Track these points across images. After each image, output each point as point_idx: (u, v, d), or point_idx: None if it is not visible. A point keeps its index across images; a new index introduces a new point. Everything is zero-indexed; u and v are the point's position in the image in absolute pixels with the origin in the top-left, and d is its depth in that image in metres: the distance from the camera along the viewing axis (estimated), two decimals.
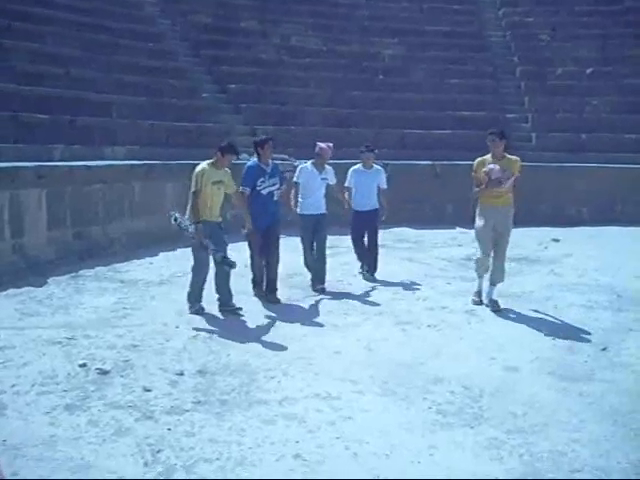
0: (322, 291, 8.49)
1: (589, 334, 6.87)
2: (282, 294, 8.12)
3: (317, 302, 8.05)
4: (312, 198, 8.57)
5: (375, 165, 9.54)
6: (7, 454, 4.17)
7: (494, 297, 7.86)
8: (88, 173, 10.26)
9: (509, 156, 7.69)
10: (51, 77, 12.61)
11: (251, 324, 7.11)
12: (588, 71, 18.57)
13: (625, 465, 4.26)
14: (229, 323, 7.12)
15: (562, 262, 10.49)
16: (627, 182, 14.98)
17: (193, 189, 7.20)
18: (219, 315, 7.39)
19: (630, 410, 5.06)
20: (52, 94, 12.12)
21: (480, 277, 8.02)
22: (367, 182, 9.33)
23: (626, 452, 4.41)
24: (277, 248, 8.07)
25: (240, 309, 7.46)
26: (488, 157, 7.65)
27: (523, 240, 12.50)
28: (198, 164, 7.44)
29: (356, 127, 15.96)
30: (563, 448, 4.45)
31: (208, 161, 7.37)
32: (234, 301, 7.51)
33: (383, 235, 12.88)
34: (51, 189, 9.49)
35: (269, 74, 17.00)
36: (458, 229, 13.59)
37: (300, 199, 8.64)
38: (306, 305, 7.90)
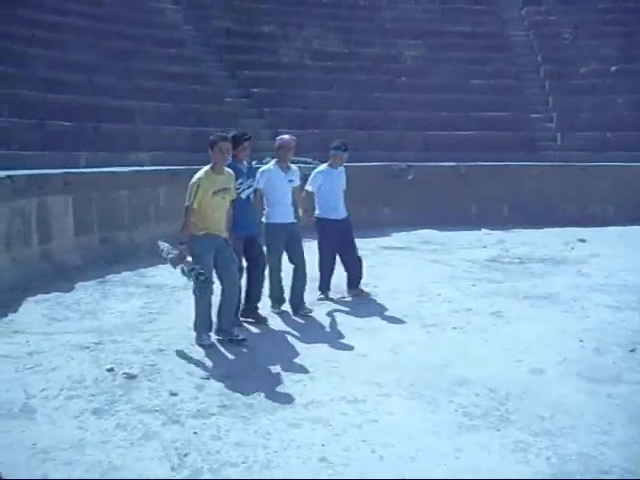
0: (305, 316, 7.47)
1: (617, 335, 6.76)
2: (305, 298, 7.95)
3: (341, 306, 8.00)
4: (280, 205, 7.30)
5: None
6: (36, 457, 4.23)
7: None
8: (113, 179, 10.37)
9: None
10: (75, 84, 12.77)
11: (275, 328, 7.12)
12: (612, 69, 18.39)
13: None
14: (253, 328, 7.11)
15: (589, 262, 10.38)
16: None
17: (186, 203, 6.25)
18: (241, 318, 7.16)
19: None
20: (76, 101, 12.28)
21: None
22: (338, 184, 8.07)
23: None
24: (264, 267, 7.19)
25: (244, 340, 6.55)
26: None
27: (549, 240, 12.45)
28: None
29: (379, 129, 15.95)
30: (591, 451, 4.41)
31: (205, 167, 6.39)
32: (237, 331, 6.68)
33: (409, 237, 13.00)
34: (77, 195, 9.61)
35: (291, 77, 17.06)
36: (483, 230, 13.52)
37: (266, 207, 7.36)
38: (329, 309, 7.85)
